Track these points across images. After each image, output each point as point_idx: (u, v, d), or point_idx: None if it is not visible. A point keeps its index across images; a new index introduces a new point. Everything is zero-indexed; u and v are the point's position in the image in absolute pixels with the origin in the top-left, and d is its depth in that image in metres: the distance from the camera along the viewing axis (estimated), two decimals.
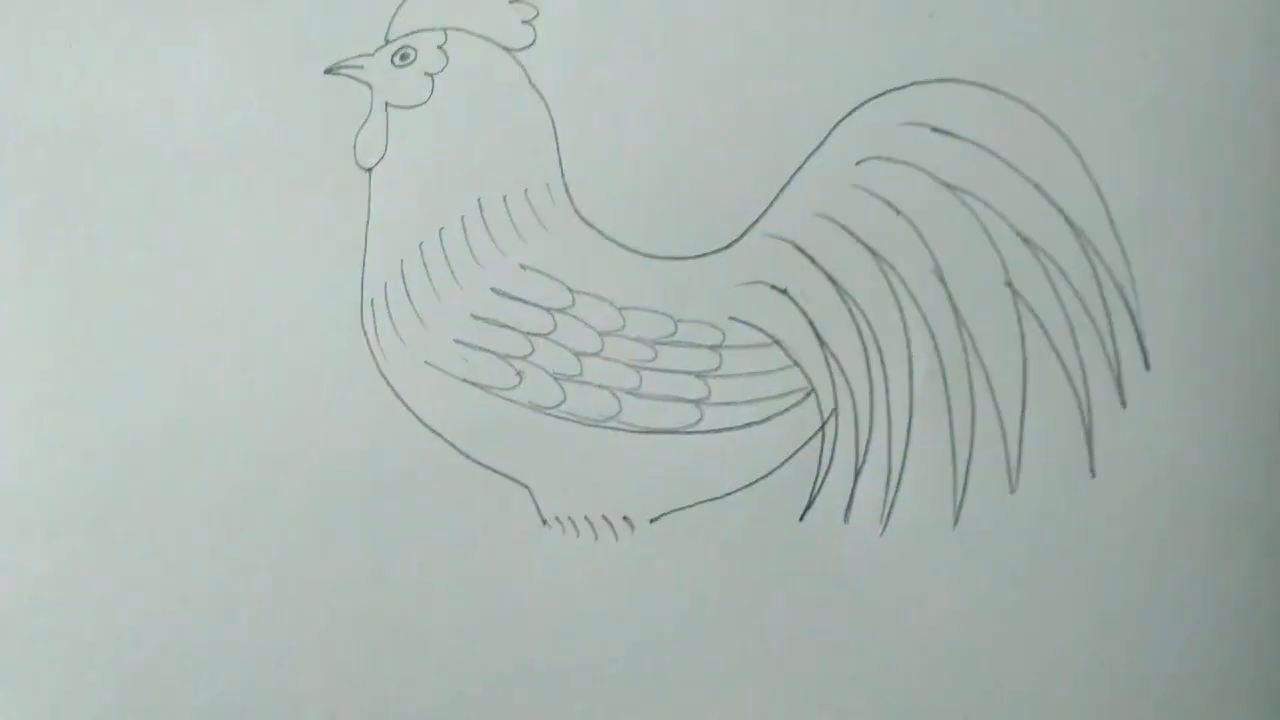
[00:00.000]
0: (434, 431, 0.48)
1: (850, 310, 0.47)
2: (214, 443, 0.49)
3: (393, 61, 0.48)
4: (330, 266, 0.49)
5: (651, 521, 0.48)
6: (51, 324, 0.49)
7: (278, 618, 0.49)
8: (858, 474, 0.47)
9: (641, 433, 0.48)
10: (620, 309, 0.48)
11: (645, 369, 0.47)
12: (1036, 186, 0.47)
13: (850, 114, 0.48)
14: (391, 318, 0.48)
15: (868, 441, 0.47)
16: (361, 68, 0.48)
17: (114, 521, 0.49)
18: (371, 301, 0.48)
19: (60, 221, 0.49)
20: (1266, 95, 0.47)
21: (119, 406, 0.49)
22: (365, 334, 0.48)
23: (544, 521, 0.48)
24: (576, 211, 0.48)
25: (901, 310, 0.47)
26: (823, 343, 0.48)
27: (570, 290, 0.48)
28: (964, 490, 0.47)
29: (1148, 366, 0.47)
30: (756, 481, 0.48)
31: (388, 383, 0.48)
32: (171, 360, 0.49)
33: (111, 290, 0.49)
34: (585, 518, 0.48)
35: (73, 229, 0.49)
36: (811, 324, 0.48)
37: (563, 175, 0.48)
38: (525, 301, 0.48)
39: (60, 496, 0.49)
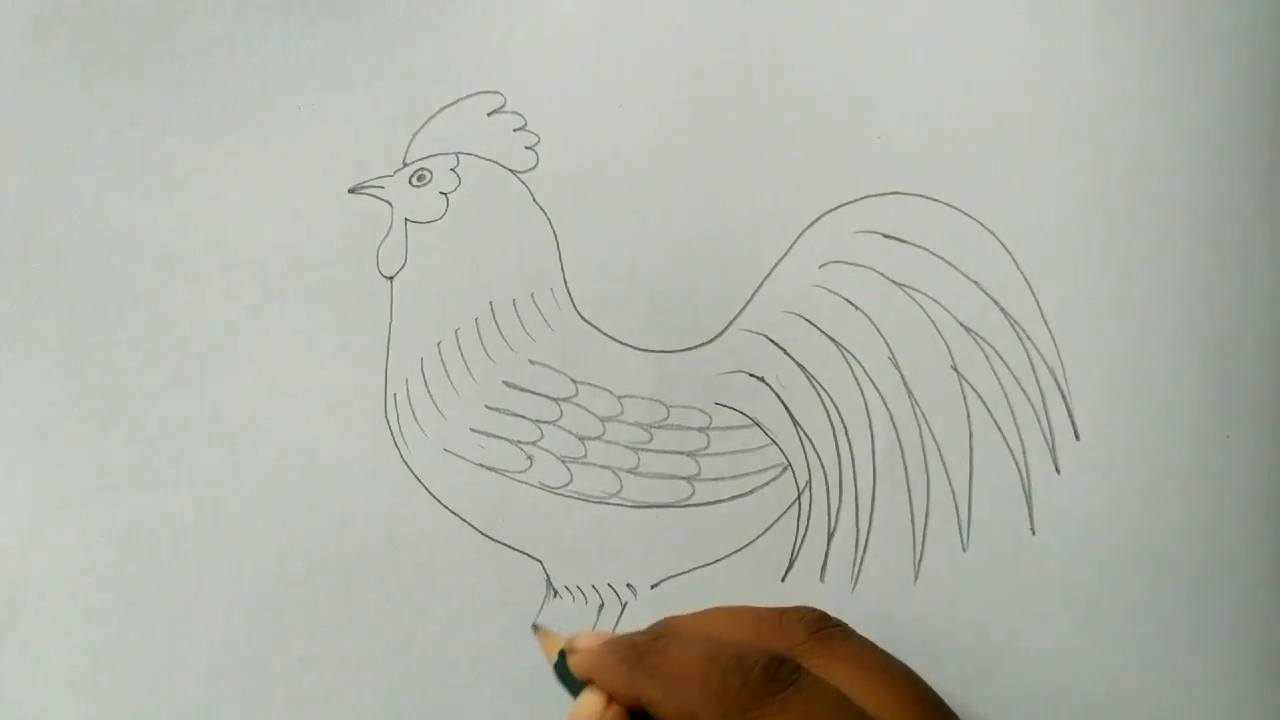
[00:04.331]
0: (453, 513, 0.50)
1: (819, 394, 0.50)
2: (246, 531, 0.50)
3: (410, 182, 0.51)
4: (356, 365, 0.50)
5: (652, 587, 0.49)
6: (90, 425, 0.50)
7: (309, 694, 0.49)
8: (830, 538, 0.50)
9: (640, 508, 0.50)
10: (619, 397, 0.50)
11: (642, 450, 0.50)
12: (975, 283, 0.50)
13: (812, 224, 0.51)
14: (413, 410, 0.50)
15: (838, 509, 0.50)
16: (382, 187, 0.51)
17: (147, 610, 0.50)
18: (394, 396, 0.50)
19: (100, 327, 0.50)
20: (1175, 192, 0.50)
21: (154, 501, 0.50)
22: (389, 425, 0.50)
23: (555, 592, 0.50)
24: (578, 312, 0.51)
25: (863, 393, 0.50)
26: (796, 423, 0.50)
27: (574, 381, 0.50)
28: (922, 549, 0.49)
29: (1078, 437, 0.49)
30: (743, 548, 0.50)
31: (410, 469, 0.50)
32: (205, 456, 0.50)
33: (149, 392, 0.50)
34: (593, 586, 0.49)
35: (112, 334, 0.50)
36: (786, 407, 0.50)
37: (565, 281, 0.51)
38: (534, 393, 0.50)
39: (94, 587, 0.50)
